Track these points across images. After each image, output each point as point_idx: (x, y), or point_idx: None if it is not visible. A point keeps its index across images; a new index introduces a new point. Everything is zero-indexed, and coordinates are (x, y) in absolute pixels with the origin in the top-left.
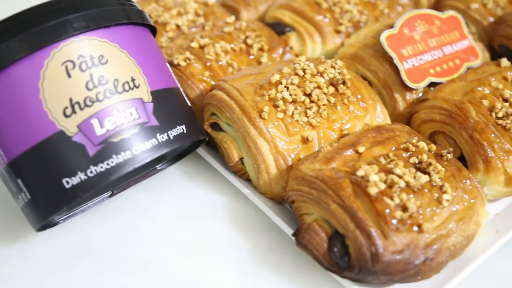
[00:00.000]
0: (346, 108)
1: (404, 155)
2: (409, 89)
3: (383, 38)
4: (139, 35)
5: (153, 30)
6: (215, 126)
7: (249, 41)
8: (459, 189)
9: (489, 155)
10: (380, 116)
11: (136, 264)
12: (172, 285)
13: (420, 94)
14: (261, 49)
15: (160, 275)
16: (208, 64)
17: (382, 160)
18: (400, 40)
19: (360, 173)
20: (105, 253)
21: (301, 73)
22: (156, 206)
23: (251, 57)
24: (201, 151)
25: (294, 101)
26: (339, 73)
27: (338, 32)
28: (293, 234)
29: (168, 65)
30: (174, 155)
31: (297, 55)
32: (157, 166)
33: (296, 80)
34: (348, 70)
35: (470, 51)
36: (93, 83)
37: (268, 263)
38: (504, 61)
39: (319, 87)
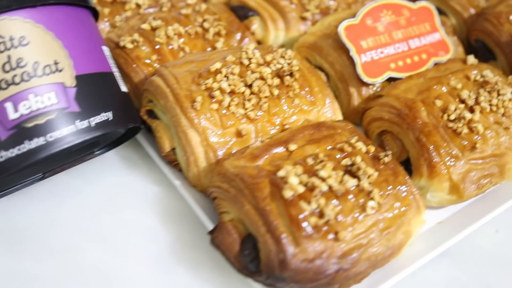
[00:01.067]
0: (291, 101)
1: (338, 156)
2: (366, 84)
3: (341, 28)
4: (71, 16)
5: (94, 12)
6: (152, 114)
7: (205, 24)
8: (390, 196)
9: (434, 159)
10: (328, 111)
11: (49, 251)
12: (80, 275)
13: (379, 90)
14: (218, 34)
15: (71, 264)
16: (157, 47)
17: (309, 160)
18: (361, 31)
19: (281, 173)
20: (21, 237)
21: (246, 62)
22: (85, 192)
23: (207, 42)
24: (141, 137)
25: (232, 92)
26: (288, 64)
27: (303, 18)
28: (209, 232)
29: (104, 48)
30: (111, 141)
31: (259, 42)
32: (94, 150)
33: (237, 69)
34: (301, 61)
35: (440, 45)
36: (11, 65)
37: (186, 260)
38: (471, 58)
39: (262, 78)
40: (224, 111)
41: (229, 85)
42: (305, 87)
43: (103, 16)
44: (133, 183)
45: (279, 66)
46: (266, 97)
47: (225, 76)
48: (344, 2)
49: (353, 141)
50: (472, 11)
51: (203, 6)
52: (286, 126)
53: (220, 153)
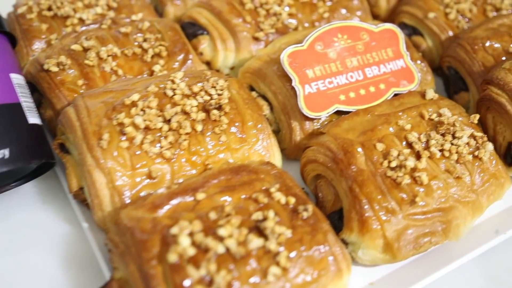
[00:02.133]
0: (217, 138)
1: (251, 208)
2: (310, 118)
3: (284, 55)
4: None
5: (10, 36)
6: (64, 147)
7: (145, 45)
8: (302, 259)
9: (366, 213)
10: (261, 149)
11: None
12: None
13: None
14: (158, 55)
15: None
16: (85, 71)
17: (212, 215)
18: (308, 58)
19: (173, 231)
20: None
21: (170, 93)
22: None
23: (145, 64)
24: (59, 171)
25: (147, 128)
26: (218, 95)
27: (256, 39)
28: None
29: (13, 76)
30: (27, 173)
31: (208, 63)
32: (10, 182)
33: (154, 103)
34: (240, 90)
35: (404, 74)
36: None
37: None
38: (430, 93)
39: (185, 112)
40: (135, 150)
41: (144, 120)
42: (235, 122)
43: (41, 32)
44: (44, 221)
45: (207, 98)
46: (187, 133)
47: (141, 109)
48: (307, 19)
49: (273, 189)
50: (450, 33)
51: (146, 24)
52: (210, 166)
53: (128, 197)
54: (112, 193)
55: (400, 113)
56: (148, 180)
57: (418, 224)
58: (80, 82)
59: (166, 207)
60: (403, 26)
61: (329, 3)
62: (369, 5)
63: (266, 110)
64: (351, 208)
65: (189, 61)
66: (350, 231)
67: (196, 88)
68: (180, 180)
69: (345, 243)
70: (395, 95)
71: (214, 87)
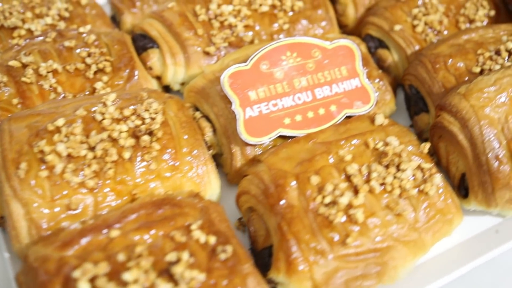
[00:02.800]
0: (146, 167)
1: (167, 247)
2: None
3: (225, 76)
4: None
5: None
6: None
7: (88, 60)
8: None
9: (293, 254)
10: (196, 177)
11: None
12: None
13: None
14: (102, 71)
15: None
16: (22, 89)
17: (121, 256)
18: (251, 79)
19: (75, 274)
20: None
21: (99, 117)
22: None
23: (87, 80)
24: None
25: (70, 156)
26: (151, 119)
27: (207, 53)
28: None
29: None
30: None
31: (159, 77)
32: None
33: (78, 129)
34: (179, 112)
35: (358, 94)
36: None
37: None
38: (379, 118)
39: (112, 139)
40: (55, 180)
41: (67, 147)
42: (168, 148)
43: None
44: None
45: (138, 122)
46: (113, 161)
47: (65, 136)
48: (266, 31)
49: (194, 226)
50: (417, 47)
51: (92, 37)
52: (137, 196)
53: (46, 229)
54: (30, 225)
55: (342, 142)
56: (69, 212)
57: (350, 266)
58: (15, 101)
59: (76, 246)
60: (369, 38)
61: (290, 14)
62: (336, 14)
63: (208, 132)
64: (279, 247)
65: (135, 77)
66: (278, 271)
67: (127, 112)
68: (105, 211)
69: (274, 283)
70: (348, 117)
71: (148, 110)
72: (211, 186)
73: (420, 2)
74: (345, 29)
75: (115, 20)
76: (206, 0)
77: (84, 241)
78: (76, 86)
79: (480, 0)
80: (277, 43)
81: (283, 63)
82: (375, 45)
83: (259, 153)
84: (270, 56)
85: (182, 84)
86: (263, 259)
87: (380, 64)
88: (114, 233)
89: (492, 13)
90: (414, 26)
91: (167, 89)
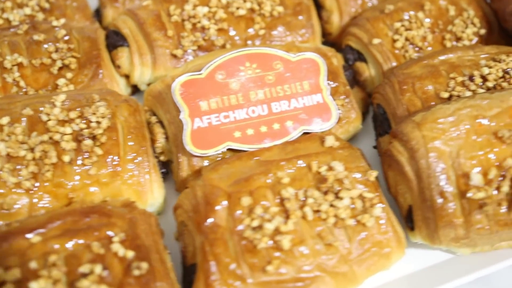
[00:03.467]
0: (85, 171)
1: (85, 258)
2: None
3: (177, 83)
4: None
5: None
6: None
7: (54, 55)
8: None
9: (212, 277)
10: (136, 185)
11: None
12: None
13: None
14: (68, 67)
15: None
16: None
17: (34, 264)
18: (205, 88)
19: None
20: None
21: (44, 118)
22: None
23: (52, 76)
24: None
25: (9, 156)
26: (97, 123)
27: (174, 56)
28: None
29: None
30: None
31: (127, 76)
32: None
33: (19, 129)
34: (131, 116)
35: (319, 110)
36: None
37: None
38: (329, 140)
39: (53, 141)
40: None
41: (7, 147)
42: (110, 154)
43: None
44: None
45: (83, 126)
46: (52, 164)
47: (7, 135)
48: (240, 36)
49: (115, 239)
50: (394, 63)
51: (62, 32)
52: (75, 200)
53: None
54: None
55: (283, 163)
56: (2, 211)
57: None
58: None
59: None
60: (348, 49)
61: (269, 19)
62: (321, 21)
63: (161, 138)
64: (200, 267)
65: (100, 76)
66: None
67: (73, 114)
68: (41, 212)
69: None
70: (306, 133)
71: (95, 113)
72: (153, 195)
73: (405, 16)
74: (329, 37)
75: (99, 12)
76: (182, 0)
77: (5, 244)
78: (39, 81)
79: (471, 17)
80: (237, 52)
81: (240, 74)
82: (354, 57)
83: (206, 164)
84: (228, 66)
85: (149, 84)
86: (190, 275)
87: (357, 77)
88: (36, 238)
89: (483, 31)
90: (394, 41)
91: (136, 88)
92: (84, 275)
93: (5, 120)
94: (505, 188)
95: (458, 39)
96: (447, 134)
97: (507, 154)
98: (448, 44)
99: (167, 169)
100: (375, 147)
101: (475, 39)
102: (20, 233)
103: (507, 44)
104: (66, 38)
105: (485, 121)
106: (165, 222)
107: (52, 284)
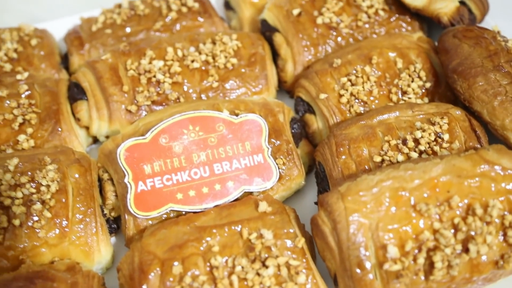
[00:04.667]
0: (35, 234)
1: None
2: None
3: (122, 149)
4: None
5: None
6: None
7: (16, 111)
8: None
9: None
10: (83, 246)
11: None
12: None
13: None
14: (29, 122)
15: None
16: None
17: None
18: (149, 152)
19: None
20: None
21: None
22: None
23: (14, 131)
24: None
25: None
26: (47, 187)
27: (129, 111)
28: None
29: None
30: None
31: (88, 128)
32: None
33: None
34: (81, 177)
35: (259, 170)
36: None
37: None
38: (262, 206)
39: (3, 206)
40: None
41: None
42: (59, 217)
43: None
44: None
45: (33, 190)
46: (3, 228)
47: None
48: (194, 89)
49: None
50: (339, 118)
51: (24, 87)
52: (26, 261)
53: None
54: None
55: (215, 230)
56: None
57: None
58: None
59: None
60: (299, 101)
61: (223, 71)
62: (278, 69)
63: (111, 196)
64: None
65: (59, 129)
66: None
67: (24, 179)
68: None
69: None
70: (248, 193)
71: (45, 177)
72: (100, 254)
73: (352, 70)
74: (284, 85)
75: (67, 58)
76: (140, 54)
77: None
78: (1, 136)
79: (418, 70)
80: (180, 116)
81: (183, 137)
82: (304, 109)
83: (150, 224)
84: (171, 129)
85: (108, 136)
86: None
87: (306, 129)
88: None
89: (428, 85)
90: (340, 96)
91: (96, 138)
92: None
93: None
94: (421, 260)
95: (404, 93)
96: (368, 206)
97: (424, 227)
98: (394, 97)
99: (117, 224)
100: (316, 203)
101: (421, 93)
102: None
103: (453, 97)
104: (28, 93)
105: (405, 193)
106: (115, 277)
107: None
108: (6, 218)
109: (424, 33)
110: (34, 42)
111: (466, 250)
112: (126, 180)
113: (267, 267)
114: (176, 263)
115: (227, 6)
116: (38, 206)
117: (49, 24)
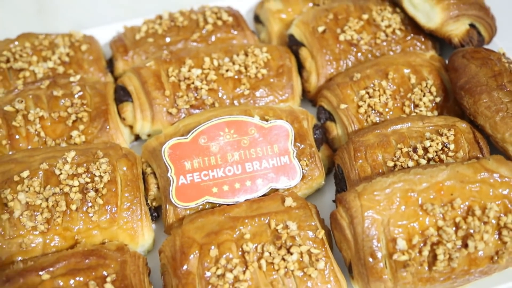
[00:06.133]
0: (89, 218)
1: None
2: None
3: (166, 146)
4: None
5: None
6: None
7: (70, 110)
8: None
9: None
10: (129, 230)
11: None
12: None
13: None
14: (81, 120)
15: None
16: (11, 132)
17: None
18: (189, 151)
19: None
20: None
21: (57, 172)
22: None
23: (67, 127)
24: None
25: (28, 204)
26: (100, 177)
27: (170, 114)
28: None
29: None
30: None
31: (131, 126)
32: None
33: (37, 182)
34: (130, 169)
35: (285, 170)
36: None
37: None
38: (288, 201)
39: (63, 192)
40: (14, 222)
41: (26, 197)
42: (109, 204)
43: None
44: None
45: (88, 179)
46: (62, 211)
47: (26, 186)
48: (228, 96)
49: (108, 279)
50: (357, 127)
51: (77, 88)
52: (80, 241)
53: (3, 261)
54: None
55: (247, 220)
56: (21, 249)
57: None
58: (5, 142)
59: (15, 283)
60: (321, 109)
61: (254, 80)
62: (302, 80)
63: (153, 188)
64: None
65: (107, 127)
66: None
67: (80, 170)
68: (53, 250)
69: None
70: (274, 189)
71: (98, 169)
72: (143, 238)
73: (370, 83)
74: (308, 95)
75: (112, 63)
76: (180, 62)
77: (21, 280)
78: (57, 132)
79: (429, 86)
80: (218, 120)
81: (220, 138)
82: (325, 117)
83: (188, 213)
84: (209, 131)
85: (149, 135)
86: None
87: (326, 135)
88: (46, 276)
89: (438, 99)
90: (358, 106)
91: (138, 136)
92: None
93: (26, 173)
94: (425, 253)
95: (416, 106)
96: (381, 204)
97: (429, 224)
98: (407, 110)
99: (158, 213)
100: (334, 201)
101: (431, 106)
102: (33, 271)
103: (460, 111)
104: (80, 93)
105: (414, 195)
106: (155, 259)
107: None
108: (65, 203)
109: (436, 52)
110: (84, 47)
111: (465, 245)
112: (169, 174)
113: (291, 253)
114: (212, 247)
115: (257, 20)
116: (92, 194)
117: (92, 31)
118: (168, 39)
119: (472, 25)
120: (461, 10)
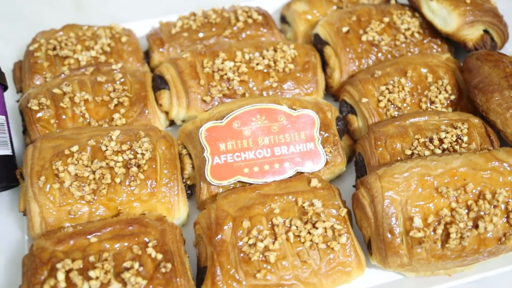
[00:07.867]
0: (131, 191)
1: (127, 256)
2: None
3: (203, 129)
4: None
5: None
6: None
7: (112, 94)
8: None
9: (216, 278)
10: (167, 203)
11: None
12: None
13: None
14: (122, 104)
15: None
16: (59, 112)
17: (92, 258)
18: (223, 133)
19: (58, 265)
20: None
21: (103, 148)
22: None
23: (109, 110)
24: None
25: (76, 175)
26: (142, 155)
27: (204, 101)
28: None
29: None
30: None
31: (167, 112)
32: None
33: (85, 157)
34: (169, 149)
35: (311, 155)
36: None
37: None
38: (314, 182)
39: (108, 166)
40: (64, 191)
41: (75, 169)
42: (150, 179)
43: (42, 69)
44: (4, 226)
45: (131, 156)
46: (107, 183)
47: (76, 159)
48: (257, 87)
49: (150, 244)
50: (377, 119)
51: (119, 75)
52: (122, 211)
53: (52, 225)
54: (42, 221)
55: (276, 197)
56: (70, 216)
57: None
58: (53, 121)
59: (65, 244)
60: (343, 103)
61: (281, 74)
62: (325, 76)
63: (188, 168)
64: (209, 270)
65: (146, 112)
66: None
67: (124, 147)
68: (97, 219)
69: None
70: (300, 172)
71: (141, 147)
72: (179, 211)
73: (390, 80)
74: (331, 90)
75: (148, 54)
76: (214, 55)
77: (71, 241)
78: (100, 114)
79: (445, 85)
80: (251, 106)
81: (252, 124)
82: (347, 110)
83: (221, 191)
84: (243, 117)
85: (183, 121)
86: (202, 275)
87: (348, 127)
88: (93, 239)
89: (453, 97)
90: (379, 101)
91: (173, 122)
92: (127, 269)
93: (75, 148)
94: (439, 231)
95: (432, 102)
96: (400, 186)
97: (443, 205)
98: (424, 106)
99: (191, 191)
100: (354, 186)
101: (446, 103)
102: (83, 234)
103: (473, 108)
104: (122, 80)
105: (430, 179)
106: (188, 232)
107: (104, 273)
108: (110, 176)
109: (452, 54)
110: (124, 39)
111: (476, 226)
112: (205, 154)
113: (316, 228)
114: (245, 220)
115: (283, 20)
116: (134, 169)
117: (128, 25)
118: (201, 34)
119: (486, 31)
120: (476, 17)
